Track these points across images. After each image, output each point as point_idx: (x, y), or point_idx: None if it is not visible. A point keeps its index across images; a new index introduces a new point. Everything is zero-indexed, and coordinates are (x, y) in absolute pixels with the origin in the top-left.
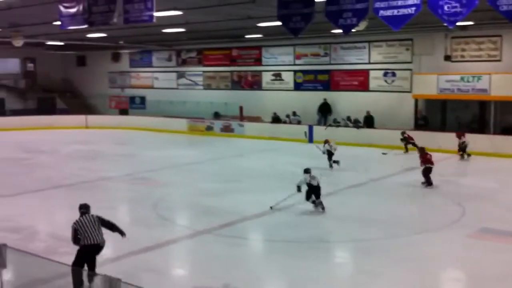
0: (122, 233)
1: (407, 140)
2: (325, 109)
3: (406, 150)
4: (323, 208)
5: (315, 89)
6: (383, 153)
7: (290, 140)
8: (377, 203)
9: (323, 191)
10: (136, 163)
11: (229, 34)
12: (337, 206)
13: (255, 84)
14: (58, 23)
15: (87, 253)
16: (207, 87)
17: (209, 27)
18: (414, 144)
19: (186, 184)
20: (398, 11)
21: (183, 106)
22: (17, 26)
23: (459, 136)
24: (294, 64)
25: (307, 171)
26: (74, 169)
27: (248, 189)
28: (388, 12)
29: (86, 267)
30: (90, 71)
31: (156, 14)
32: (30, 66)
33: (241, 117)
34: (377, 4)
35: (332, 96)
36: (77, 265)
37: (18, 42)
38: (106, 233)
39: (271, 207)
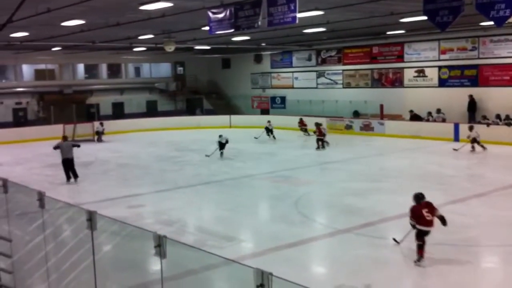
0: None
1: None
2: (471, 106)
3: None
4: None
5: (461, 85)
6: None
7: (433, 139)
8: None
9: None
10: (277, 161)
11: (370, 32)
12: (486, 211)
13: (396, 81)
14: (207, 28)
15: (64, 163)
16: (347, 85)
17: (349, 25)
18: None
19: (326, 183)
20: None
21: (322, 105)
22: (169, 33)
23: None
24: (439, 60)
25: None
26: (220, 166)
27: (389, 189)
28: None
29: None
30: (234, 73)
31: (298, 15)
32: (180, 69)
33: (382, 116)
34: None
35: (480, 92)
36: (64, 170)
37: (170, 48)
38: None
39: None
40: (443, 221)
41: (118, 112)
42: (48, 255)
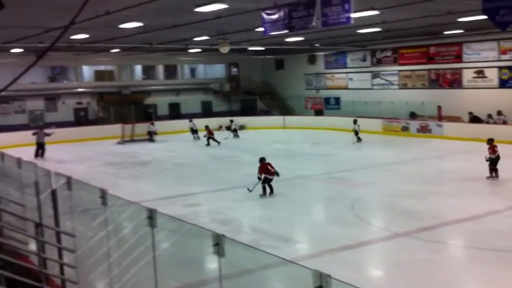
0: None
1: None
2: None
3: None
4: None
5: None
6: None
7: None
8: None
9: None
10: (331, 162)
11: (427, 31)
12: None
13: (454, 82)
14: (261, 29)
15: (38, 145)
16: (403, 86)
17: (405, 25)
18: None
19: (382, 185)
20: None
21: (378, 106)
22: (223, 34)
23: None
24: (499, 60)
25: None
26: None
27: (448, 192)
28: None
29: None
30: (288, 73)
31: (352, 15)
32: (234, 70)
33: (439, 117)
34: None
35: None
36: (36, 150)
37: (225, 49)
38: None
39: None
40: None
41: (175, 112)
42: (110, 251)
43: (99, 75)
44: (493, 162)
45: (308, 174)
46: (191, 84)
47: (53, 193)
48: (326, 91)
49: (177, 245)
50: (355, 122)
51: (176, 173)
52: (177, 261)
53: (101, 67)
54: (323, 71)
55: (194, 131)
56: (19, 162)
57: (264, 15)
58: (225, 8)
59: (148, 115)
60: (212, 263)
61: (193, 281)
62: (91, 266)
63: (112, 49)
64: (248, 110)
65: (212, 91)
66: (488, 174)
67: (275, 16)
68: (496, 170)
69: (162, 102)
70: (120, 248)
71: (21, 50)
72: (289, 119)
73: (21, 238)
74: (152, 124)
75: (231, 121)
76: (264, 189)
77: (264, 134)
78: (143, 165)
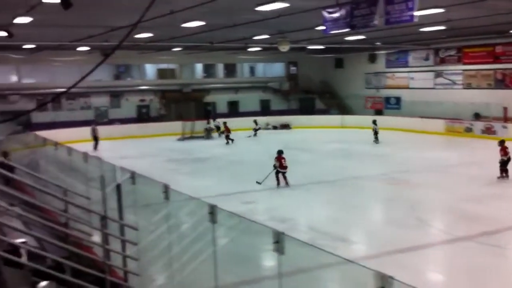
0: None
1: None
2: None
3: None
4: None
5: None
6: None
7: None
8: None
9: None
10: (391, 163)
11: (493, 30)
12: None
13: None
14: (321, 28)
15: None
16: (467, 86)
17: (471, 23)
18: None
19: (444, 187)
20: None
21: (440, 106)
22: (283, 33)
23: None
24: None
25: None
26: (332, 166)
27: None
28: None
29: None
30: (347, 72)
31: (416, 13)
32: (293, 69)
33: (505, 119)
34: None
35: None
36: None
37: (284, 48)
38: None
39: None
40: None
41: (233, 110)
42: (171, 244)
43: (162, 73)
44: (504, 163)
45: (366, 174)
46: (250, 82)
47: (118, 187)
48: (386, 91)
49: (235, 241)
50: (374, 122)
51: (233, 170)
52: (235, 257)
53: (164, 65)
54: (384, 70)
55: (217, 128)
56: (85, 156)
57: (325, 14)
58: (286, 7)
59: (207, 112)
60: (269, 261)
61: (250, 277)
62: (152, 259)
63: (174, 47)
64: (307, 109)
65: (271, 90)
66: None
67: (336, 15)
68: (506, 171)
69: (221, 100)
70: (180, 242)
71: (87, 48)
72: (347, 118)
73: (85, 230)
74: (209, 122)
75: (255, 121)
76: (278, 179)
77: (322, 133)
78: (202, 161)
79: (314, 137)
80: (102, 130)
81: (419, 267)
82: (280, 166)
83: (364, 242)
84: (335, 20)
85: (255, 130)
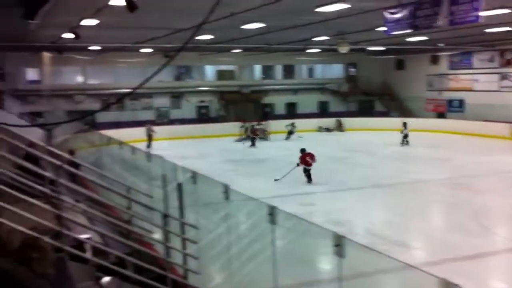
0: None
1: None
2: None
3: None
4: None
5: None
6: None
7: None
8: None
9: None
10: (453, 167)
11: None
12: None
13: None
14: (382, 29)
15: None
16: None
17: None
18: None
19: (508, 194)
20: None
21: (505, 110)
22: (342, 34)
23: None
24: None
25: None
26: (391, 170)
27: None
28: None
29: None
30: (408, 74)
31: (482, 13)
32: (352, 71)
33: None
34: None
35: None
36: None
37: (344, 49)
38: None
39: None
40: None
41: (291, 111)
42: (230, 244)
43: (221, 75)
44: None
45: (427, 179)
46: (309, 84)
47: (179, 186)
48: (448, 93)
49: (294, 243)
50: (404, 125)
51: (292, 171)
52: (293, 259)
53: (223, 67)
54: (446, 72)
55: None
56: (148, 155)
57: (387, 14)
58: (347, 8)
59: (265, 114)
60: (327, 264)
61: (308, 280)
62: (212, 258)
63: (234, 49)
64: (366, 111)
65: (330, 91)
66: None
67: (398, 15)
68: None
69: (279, 101)
70: (239, 242)
71: (150, 50)
72: (408, 121)
73: (147, 228)
74: (260, 124)
75: (292, 124)
76: (308, 177)
77: (381, 136)
78: (260, 162)
79: (372, 140)
80: (163, 130)
81: (483, 275)
82: (305, 164)
83: (424, 248)
84: (397, 21)
85: (289, 133)
